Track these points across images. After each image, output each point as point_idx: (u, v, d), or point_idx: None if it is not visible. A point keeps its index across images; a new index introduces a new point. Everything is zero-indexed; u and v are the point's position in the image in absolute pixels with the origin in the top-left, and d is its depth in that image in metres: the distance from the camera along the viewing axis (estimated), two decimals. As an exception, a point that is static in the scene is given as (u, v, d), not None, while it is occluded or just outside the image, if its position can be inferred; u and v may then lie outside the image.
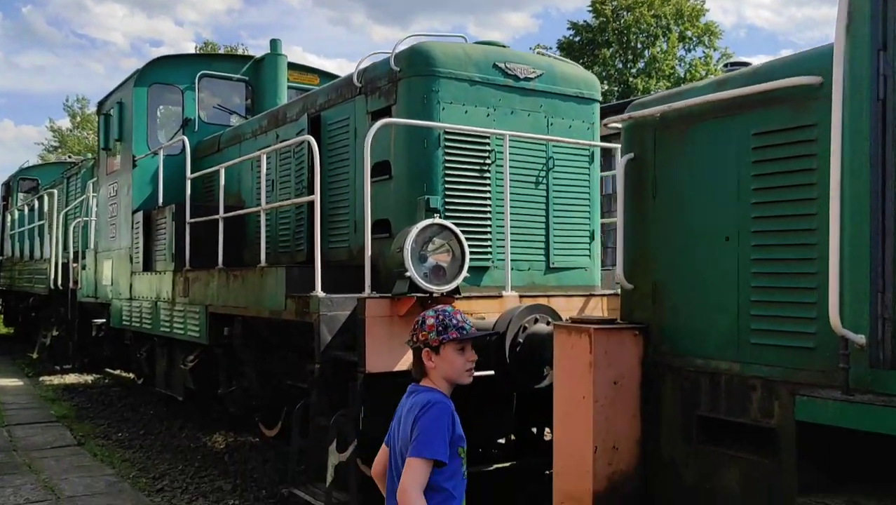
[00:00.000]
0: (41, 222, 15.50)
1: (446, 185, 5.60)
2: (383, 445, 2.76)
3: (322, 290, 5.18)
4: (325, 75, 10.38)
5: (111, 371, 13.08)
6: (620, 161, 3.63)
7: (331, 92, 6.69)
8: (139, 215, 8.73)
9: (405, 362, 4.92)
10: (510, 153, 5.64)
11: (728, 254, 3.20)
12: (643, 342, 3.54)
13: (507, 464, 5.53)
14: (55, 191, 14.43)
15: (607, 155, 7.08)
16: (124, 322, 9.21)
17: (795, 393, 2.93)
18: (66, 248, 13.13)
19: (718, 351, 3.24)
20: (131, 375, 11.75)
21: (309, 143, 5.69)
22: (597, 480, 3.38)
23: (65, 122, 50.09)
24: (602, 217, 6.58)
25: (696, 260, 3.35)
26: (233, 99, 10.06)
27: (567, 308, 5.37)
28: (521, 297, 5.49)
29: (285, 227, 7.21)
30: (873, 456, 2.69)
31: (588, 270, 6.31)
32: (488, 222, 5.78)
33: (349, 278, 5.76)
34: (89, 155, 21.68)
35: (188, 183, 7.65)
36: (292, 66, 10.12)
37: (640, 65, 37.42)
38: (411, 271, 4.71)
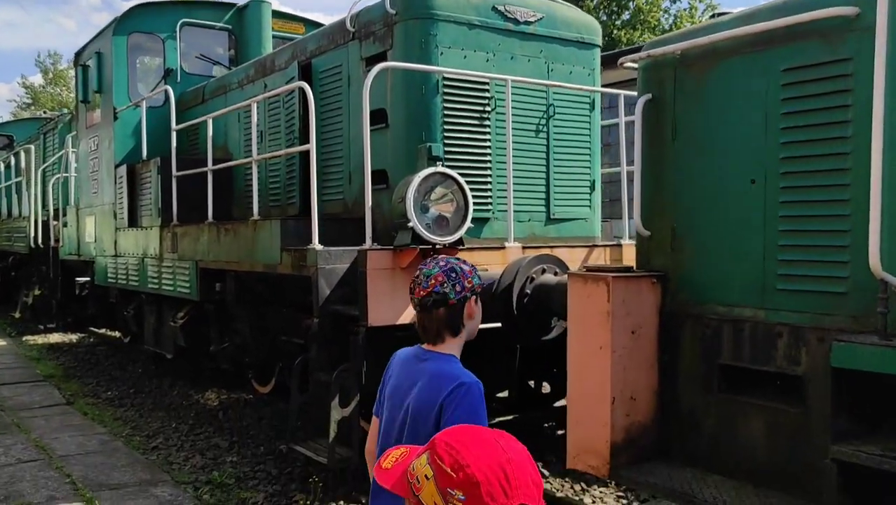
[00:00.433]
0: (18, 179, 15.09)
1: (445, 134, 5.42)
2: (374, 419, 2.32)
3: (319, 243, 5.02)
4: (311, 24, 10.04)
5: (96, 330, 12.89)
6: (638, 102, 3.47)
7: (321, 38, 6.43)
8: (122, 169, 8.46)
9: (408, 315, 4.80)
10: (511, 100, 5.46)
11: (754, 197, 3.08)
12: (661, 290, 3.43)
13: (508, 417, 5.46)
14: (32, 147, 14.02)
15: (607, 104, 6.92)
16: (110, 280, 9.00)
17: (824, 339, 2.84)
18: (45, 205, 12.81)
19: (742, 298, 3.13)
20: (117, 334, 11.57)
21: (303, 89, 5.47)
22: (614, 432, 3.30)
23: (37, 79, 48.87)
24: (601, 167, 6.44)
25: (718, 204, 3.22)
26: (215, 49, 9.70)
27: (570, 259, 5.24)
28: (523, 248, 5.37)
29: (275, 180, 7.00)
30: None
31: (588, 220, 6.19)
32: (488, 172, 5.62)
33: (345, 231, 5.61)
34: (65, 110, 21.12)
35: (173, 135, 7.39)
36: (276, 15, 9.77)
37: (626, 16, 36.90)
38: (414, 222, 4.56)
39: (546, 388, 6.67)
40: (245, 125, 7.47)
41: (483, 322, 4.78)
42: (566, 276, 4.35)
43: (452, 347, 2.26)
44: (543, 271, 4.43)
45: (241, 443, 6.23)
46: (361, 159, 5.93)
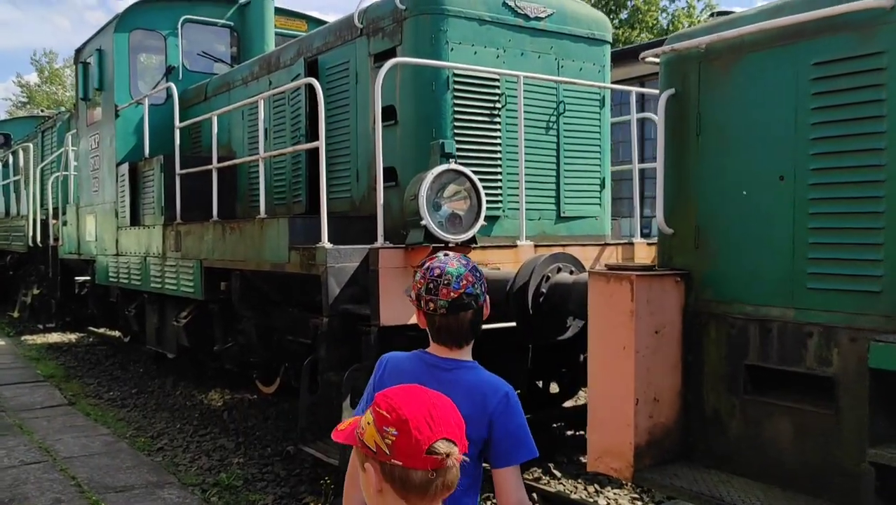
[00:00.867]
0: (16, 178, 14.98)
1: (455, 131, 5.35)
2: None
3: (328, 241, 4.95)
4: (314, 21, 9.98)
5: (95, 329, 12.79)
6: (661, 98, 3.40)
7: (328, 34, 6.36)
8: (124, 167, 8.38)
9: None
10: (523, 97, 5.39)
11: (782, 194, 3.01)
12: (684, 289, 3.37)
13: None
14: (30, 145, 13.92)
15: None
16: (111, 279, 8.91)
17: (856, 339, 2.78)
18: (44, 203, 12.70)
19: (769, 297, 3.07)
20: (117, 333, 11.48)
21: (311, 85, 5.39)
22: (638, 434, 3.23)
23: (32, 78, 48.64)
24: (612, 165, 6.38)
25: (744, 201, 3.15)
26: (217, 46, 9.62)
27: (581, 258, 5.18)
28: (535, 246, 5.31)
29: (280, 178, 6.93)
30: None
31: (599, 219, 6.13)
32: (499, 169, 5.55)
33: (352, 229, 5.55)
34: (62, 109, 21.01)
35: (177, 132, 7.32)
36: (278, 12, 9.69)
37: (623, 15, 36.87)
38: (426, 220, 4.50)
39: (554, 388, 6.62)
40: (250, 122, 7.39)
41: (497, 321, 4.77)
42: (583, 275, 4.30)
43: (469, 351, 2.14)
44: (559, 270, 4.36)
45: (248, 444, 6.15)
46: (369, 156, 5.88)
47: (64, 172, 11.40)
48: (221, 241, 6.35)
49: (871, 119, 2.75)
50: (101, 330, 12.62)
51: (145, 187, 8.05)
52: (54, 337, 12.44)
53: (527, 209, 5.46)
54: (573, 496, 4.89)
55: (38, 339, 12.33)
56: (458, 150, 5.23)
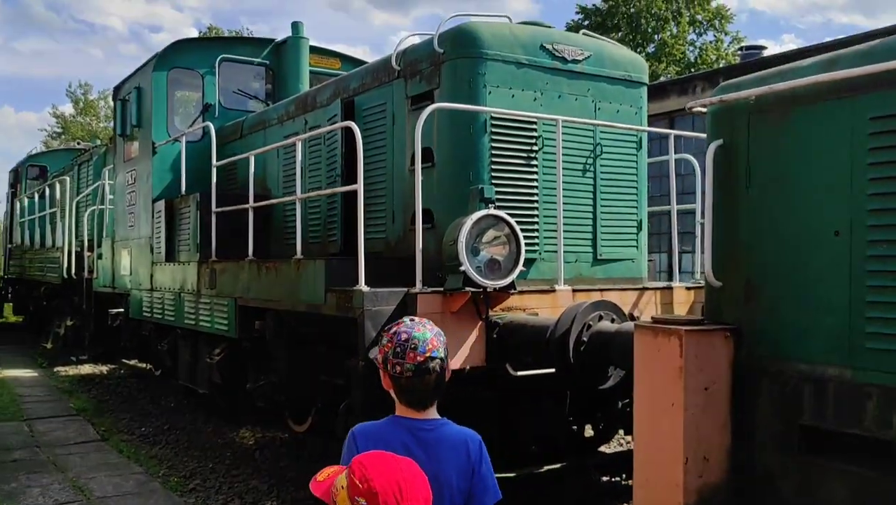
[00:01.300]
0: (52, 210, 15.24)
1: (493, 173, 5.34)
2: None
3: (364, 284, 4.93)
4: (347, 59, 10.09)
5: (127, 362, 12.87)
6: (709, 149, 3.36)
7: (365, 76, 6.41)
8: (160, 204, 8.47)
9: (457, 361, 4.68)
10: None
11: (838, 249, 2.94)
12: (734, 344, 3.29)
13: (556, 466, 5.29)
14: (66, 178, 14.16)
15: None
16: (145, 313, 8.97)
17: (919, 403, 2.68)
18: (79, 236, 12.88)
19: (825, 355, 2.98)
20: (148, 366, 11.53)
21: (351, 128, 5.42)
22: (687, 494, 3.14)
23: (67, 108, 49.67)
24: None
25: (798, 256, 3.08)
26: (252, 83, 9.77)
27: (619, 303, 5.12)
28: (573, 290, 5.25)
29: (315, 217, 6.94)
30: None
31: (635, 261, 6.06)
32: (535, 212, 5.52)
33: (387, 271, 5.52)
34: (98, 141, 21.41)
35: (214, 171, 7.39)
36: (313, 50, 9.82)
37: (650, 49, 36.96)
38: (466, 265, 4.47)
39: (588, 430, 6.51)
40: (285, 161, 7.45)
41: (535, 367, 4.70)
42: (626, 324, 4.23)
43: (435, 409, 2.25)
44: (600, 318, 4.30)
45: (280, 486, 6.10)
46: (405, 197, 5.89)
47: (100, 206, 11.57)
48: (257, 280, 6.36)
49: (932, 176, 2.68)
50: (133, 362, 12.69)
51: (181, 224, 8.13)
52: (86, 369, 12.54)
53: (564, 252, 5.41)
54: (613, 549, 4.77)
55: (71, 370, 12.44)
56: (495, 192, 5.23)
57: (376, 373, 4.90)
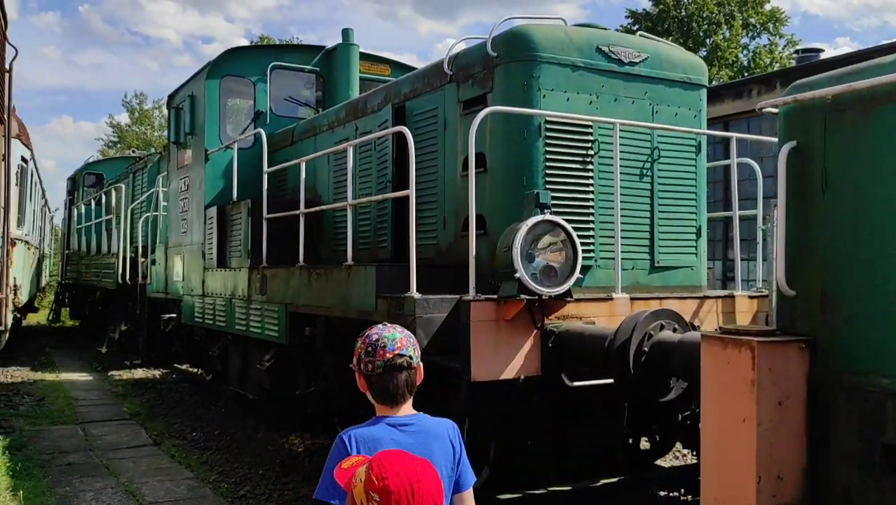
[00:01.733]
0: (108, 217, 15.58)
1: (547, 179, 5.22)
2: None
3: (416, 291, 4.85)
4: (398, 66, 10.07)
5: (179, 367, 13.03)
6: (781, 151, 3.19)
7: (416, 81, 6.35)
8: (212, 210, 8.54)
9: (511, 370, 4.57)
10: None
11: (925, 257, 2.75)
12: (809, 357, 3.11)
13: (612, 480, 5.12)
14: (122, 185, 14.45)
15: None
16: (196, 319, 9.05)
17: None
18: (133, 242, 13.13)
19: (911, 370, 2.79)
20: (199, 371, 11.65)
21: (403, 133, 5.35)
22: (759, 514, 2.96)
23: (123, 118, 50.93)
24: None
25: (879, 265, 2.89)
26: (303, 90, 9.82)
27: (679, 312, 4.95)
28: (631, 299, 5.09)
29: (366, 223, 6.90)
30: None
31: (694, 269, 5.87)
32: (591, 218, 5.38)
33: (437, 278, 5.43)
34: (153, 150, 21.84)
35: (265, 177, 7.41)
36: (363, 56, 9.81)
37: (702, 53, 36.31)
38: (521, 272, 4.35)
39: (645, 444, 6.33)
40: (335, 167, 7.43)
41: (593, 378, 4.56)
42: (690, 334, 4.07)
43: (410, 405, 2.36)
44: (662, 328, 4.14)
45: (330, 494, 6.03)
46: (456, 203, 5.80)
47: (154, 213, 11.76)
48: (307, 286, 6.34)
49: None
50: (185, 367, 12.85)
51: (232, 230, 8.17)
52: (139, 373, 12.73)
53: (621, 259, 5.26)
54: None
55: (125, 374, 12.64)
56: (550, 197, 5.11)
57: (426, 383, 4.87)
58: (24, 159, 12.18)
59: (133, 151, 24.83)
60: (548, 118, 5.19)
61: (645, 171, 5.64)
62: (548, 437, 5.01)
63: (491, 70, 5.41)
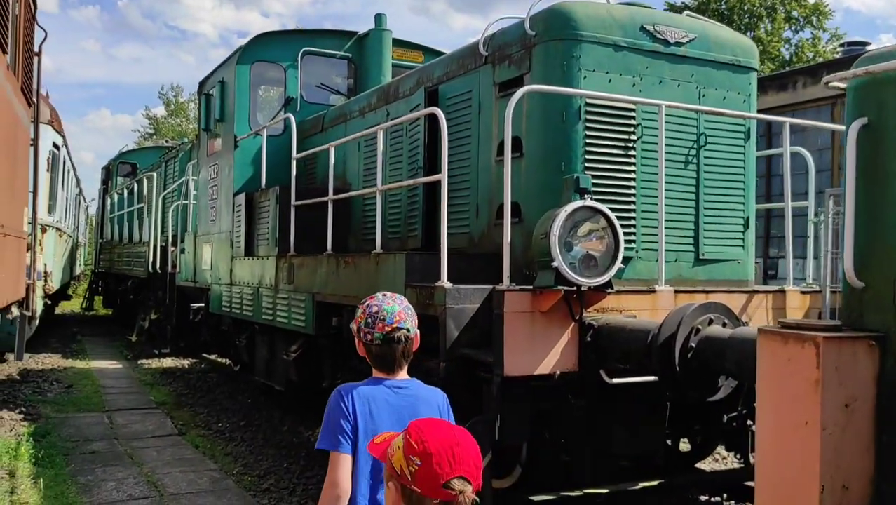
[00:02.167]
0: (140, 206, 15.60)
1: (586, 164, 4.95)
2: (343, 456, 2.34)
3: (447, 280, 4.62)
4: (431, 52, 9.82)
5: (207, 356, 12.97)
6: (850, 129, 2.90)
7: (450, 63, 6.11)
8: (241, 198, 8.39)
9: (547, 365, 4.32)
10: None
11: None
12: (879, 355, 2.81)
13: (653, 483, 4.85)
14: (154, 174, 14.43)
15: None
16: (224, 308, 8.92)
17: None
18: (163, 231, 13.09)
19: None
20: (227, 361, 11.56)
21: (432, 116, 5.13)
22: (822, 528, 2.68)
23: (159, 111, 51.41)
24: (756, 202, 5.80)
25: (965, 253, 2.59)
26: (334, 77, 9.63)
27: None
28: (675, 291, 4.81)
29: (396, 212, 6.69)
30: None
31: (741, 262, 5.55)
32: (633, 206, 5.10)
33: (469, 268, 5.19)
34: (185, 139, 21.91)
35: (293, 163, 7.23)
36: (396, 43, 9.60)
37: (742, 47, 35.50)
38: (558, 261, 4.09)
39: (684, 445, 6.04)
40: (366, 154, 7.23)
41: (635, 375, 4.29)
42: (743, 329, 3.79)
43: (405, 371, 2.50)
44: (710, 322, 3.85)
45: (355, 490, 5.84)
46: (489, 191, 5.55)
47: (184, 201, 11.69)
48: (335, 275, 6.14)
49: None
50: (213, 357, 12.78)
51: (260, 218, 8.02)
52: (168, 362, 12.69)
53: (665, 250, 4.97)
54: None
55: (154, 363, 12.60)
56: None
57: (457, 377, 4.63)
58: (55, 145, 12.17)
59: (166, 141, 24.93)
60: (588, 100, 4.92)
61: (690, 158, 5.34)
62: (584, 436, 4.74)
63: (529, 50, 5.16)
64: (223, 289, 8.92)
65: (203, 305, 10.05)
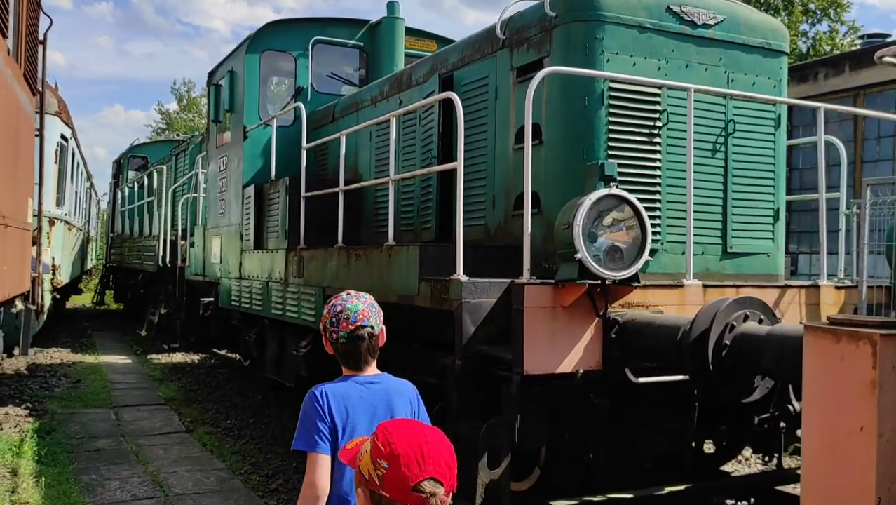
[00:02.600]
0: (150, 199, 15.46)
1: (609, 152, 4.71)
2: (322, 458, 2.36)
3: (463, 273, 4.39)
4: (444, 41, 9.59)
5: (217, 351, 12.81)
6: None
7: (466, 48, 5.88)
8: (250, 190, 8.20)
9: (569, 363, 4.08)
10: (686, 114, 4.70)
11: None
12: (940, 355, 2.56)
13: (679, 487, 4.60)
14: (164, 167, 14.28)
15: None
16: (233, 302, 8.73)
17: None
18: (174, 225, 12.93)
19: None
20: (237, 357, 11.39)
21: (446, 103, 4.90)
22: (878, 544, 2.44)
23: (172, 106, 51.35)
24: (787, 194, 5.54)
25: None
26: (346, 67, 9.41)
27: (758, 301, 4.39)
28: (704, 286, 4.56)
29: (408, 203, 6.47)
30: None
31: (771, 255, 5.30)
32: (658, 196, 4.86)
33: (485, 261, 4.97)
34: (196, 133, 21.79)
35: (304, 154, 7.02)
36: (408, 32, 9.38)
37: (759, 40, 35.04)
38: (582, 252, 3.86)
39: (709, 447, 5.79)
40: (378, 144, 7.01)
41: (663, 373, 4.06)
42: (782, 326, 3.54)
43: (374, 365, 2.55)
44: (746, 318, 3.61)
45: (366, 491, 5.63)
46: (506, 180, 5.32)
47: (193, 194, 11.52)
48: (346, 268, 5.93)
49: None
50: (223, 352, 12.62)
51: (270, 210, 7.82)
52: (178, 357, 12.54)
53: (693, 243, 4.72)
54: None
55: (163, 358, 12.46)
56: (614, 173, 4.59)
57: (474, 375, 4.40)
58: (63, 137, 12.02)
59: (177, 135, 24.81)
60: (612, 84, 4.68)
61: (718, 146, 5.09)
62: (604, 437, 4.51)
63: (549, 32, 4.91)
64: (232, 283, 8.74)
65: (212, 299, 9.88)
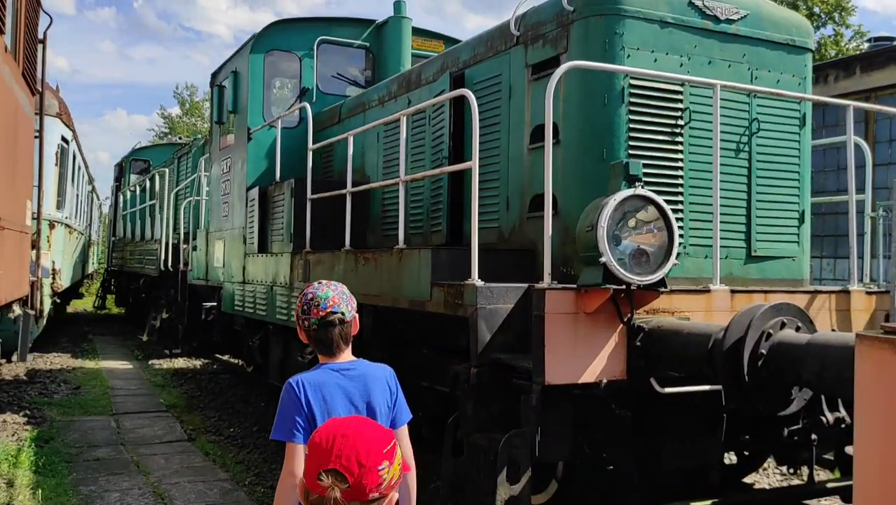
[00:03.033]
0: (152, 202, 15.29)
1: (630, 152, 4.51)
2: (299, 448, 2.44)
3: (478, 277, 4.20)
4: (452, 41, 9.41)
5: (220, 356, 12.61)
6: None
7: (478, 45, 5.69)
8: (254, 192, 8.01)
9: (592, 373, 3.89)
10: (710, 112, 4.52)
11: None
12: None
13: (707, 502, 4.39)
14: (166, 170, 14.10)
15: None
16: (236, 308, 8.53)
17: None
18: (176, 228, 12.75)
19: None
20: (240, 362, 11.19)
21: (458, 102, 4.71)
22: (943, 573, 2.24)
23: (175, 110, 51.23)
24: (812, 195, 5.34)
25: None
26: (351, 68, 9.22)
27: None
28: (731, 291, 4.37)
29: (418, 205, 6.27)
30: None
31: (797, 259, 5.11)
32: (680, 198, 4.67)
33: (499, 265, 4.78)
34: (199, 136, 21.62)
35: (310, 155, 6.82)
36: (415, 32, 9.20)
37: (764, 43, 34.87)
38: (607, 256, 3.66)
39: (731, 458, 5.59)
40: (386, 145, 6.82)
41: (694, 383, 3.87)
42: (823, 334, 3.34)
43: (349, 352, 2.59)
44: (783, 326, 3.41)
45: (375, 504, 5.43)
46: (521, 182, 5.13)
47: (196, 197, 11.34)
48: (353, 272, 5.73)
49: None
50: (226, 357, 12.42)
51: (275, 213, 7.63)
52: (180, 363, 12.35)
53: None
54: None
55: (165, 364, 12.27)
56: (634, 173, 4.40)
57: (490, 384, 4.20)
58: (64, 139, 11.84)
59: (179, 138, 24.66)
60: (633, 81, 4.49)
61: (742, 145, 4.90)
62: (627, 450, 4.31)
63: (566, 27, 4.73)
64: (236, 287, 8.55)
65: (215, 304, 9.69)
